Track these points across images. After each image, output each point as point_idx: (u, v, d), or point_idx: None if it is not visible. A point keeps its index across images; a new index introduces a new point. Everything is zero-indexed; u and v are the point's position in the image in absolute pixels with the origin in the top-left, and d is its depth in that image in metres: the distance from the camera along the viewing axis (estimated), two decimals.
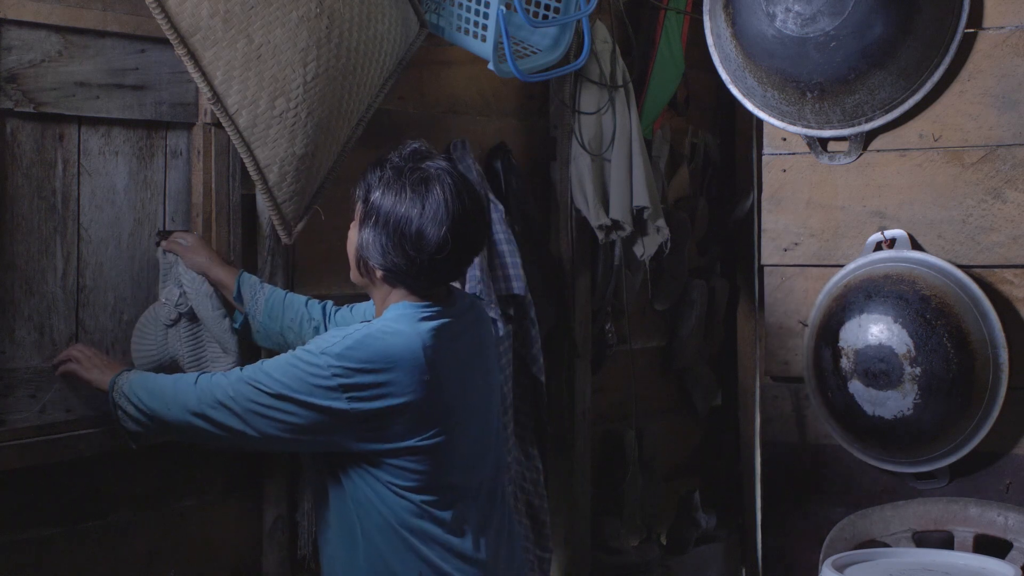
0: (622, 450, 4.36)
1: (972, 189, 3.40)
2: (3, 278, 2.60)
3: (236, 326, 2.86)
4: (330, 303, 2.87)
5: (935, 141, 3.44)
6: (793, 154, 3.63)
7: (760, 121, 3.66)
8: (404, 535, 2.46)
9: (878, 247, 3.47)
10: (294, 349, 2.49)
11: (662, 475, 4.56)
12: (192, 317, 2.83)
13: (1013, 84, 3.34)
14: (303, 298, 2.87)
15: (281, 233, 2.90)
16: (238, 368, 2.51)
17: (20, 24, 2.59)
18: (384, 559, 2.47)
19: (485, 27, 3.14)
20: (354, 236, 2.52)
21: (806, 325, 3.55)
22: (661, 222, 4.03)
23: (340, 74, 2.85)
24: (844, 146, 3.54)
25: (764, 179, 3.68)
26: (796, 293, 3.63)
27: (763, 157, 3.70)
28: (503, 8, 3.07)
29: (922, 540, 3.38)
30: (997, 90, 3.36)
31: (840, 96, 3.40)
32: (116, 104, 2.75)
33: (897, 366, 3.29)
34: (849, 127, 3.48)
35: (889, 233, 3.47)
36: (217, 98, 2.72)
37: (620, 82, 3.97)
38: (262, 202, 2.92)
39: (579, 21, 3.36)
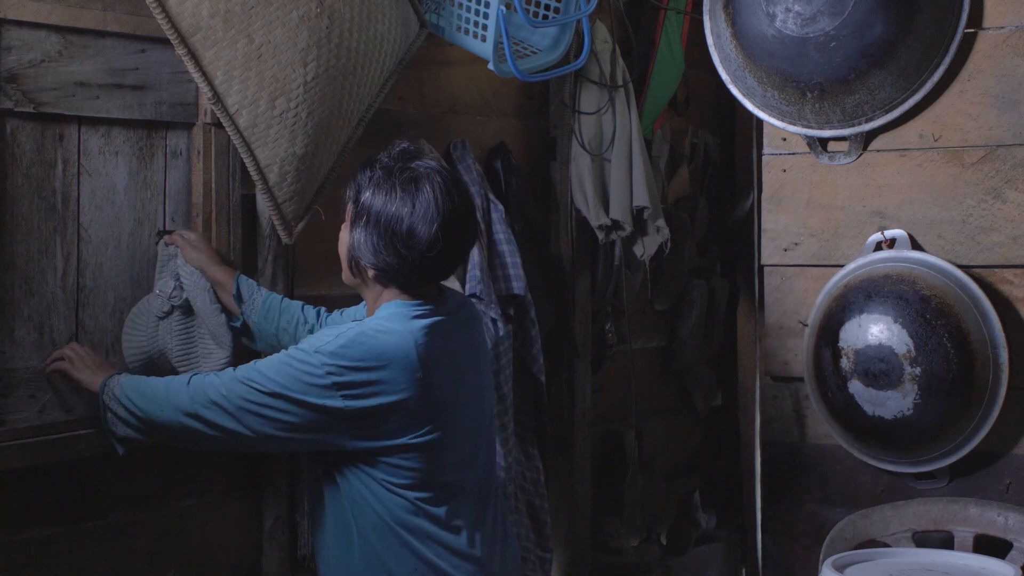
0: (622, 450, 4.36)
1: (972, 189, 3.40)
2: (3, 278, 2.60)
3: (236, 324, 2.87)
4: (323, 309, 2.90)
5: (935, 141, 3.44)
6: (793, 154, 3.63)
7: (760, 121, 3.66)
8: (399, 532, 2.47)
9: (878, 247, 3.47)
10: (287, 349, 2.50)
11: (662, 475, 4.56)
12: (185, 311, 2.83)
13: (1013, 84, 3.34)
14: (299, 303, 2.90)
15: (281, 233, 2.91)
16: (231, 368, 2.52)
17: (20, 24, 2.58)
18: (380, 557, 2.48)
19: (485, 27, 3.14)
20: (345, 237, 2.55)
21: (806, 325, 3.55)
22: (661, 222, 4.03)
23: (340, 74, 2.85)
24: (844, 146, 3.54)
25: (764, 179, 3.68)
26: (796, 293, 3.63)
27: (763, 157, 3.70)
28: (503, 8, 3.07)
29: (922, 540, 3.38)
30: (997, 90, 3.36)
31: (840, 96, 3.40)
32: (116, 104, 2.74)
33: (897, 366, 3.29)
34: (849, 127, 3.48)
35: (889, 233, 3.46)
36: (217, 98, 2.72)
37: (620, 82, 3.97)
38: (262, 202, 2.92)
39: (579, 21, 3.36)
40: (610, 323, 4.27)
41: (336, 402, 2.40)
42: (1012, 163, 3.35)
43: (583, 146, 3.93)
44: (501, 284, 3.59)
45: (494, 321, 3.47)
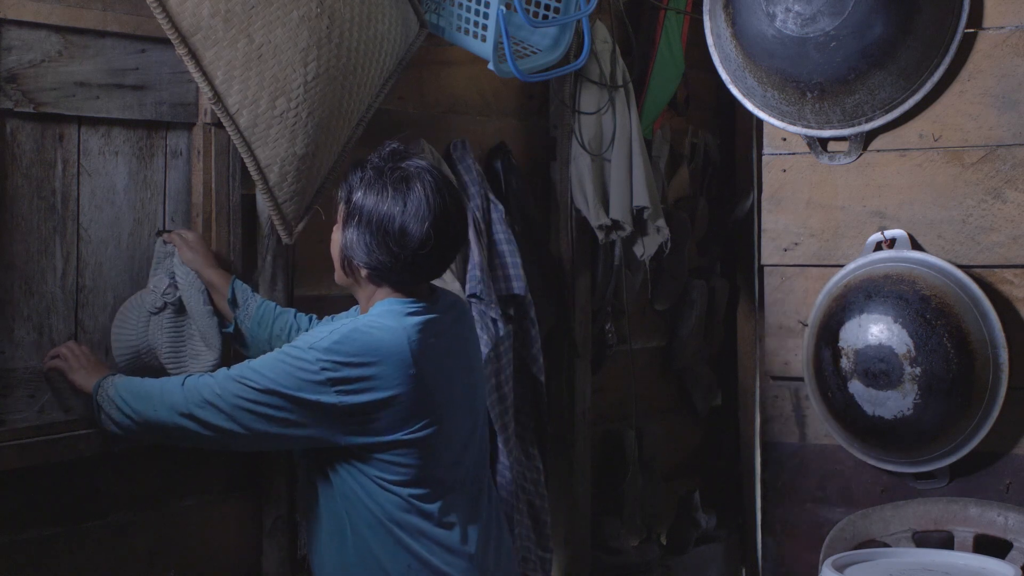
0: (622, 450, 4.36)
1: (972, 189, 3.40)
2: (2, 278, 2.60)
3: (228, 329, 2.87)
4: (315, 316, 2.92)
5: (935, 141, 3.44)
6: (793, 154, 3.63)
7: (760, 121, 3.66)
8: (392, 529, 2.49)
9: (878, 247, 3.47)
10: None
11: (662, 475, 4.56)
12: (177, 309, 2.83)
13: (1013, 84, 3.34)
14: (292, 310, 2.92)
15: (282, 233, 2.91)
16: (224, 368, 2.53)
17: (20, 24, 2.58)
18: (373, 553, 2.50)
19: (485, 27, 3.14)
20: (338, 237, 2.58)
21: (806, 325, 3.55)
22: (661, 222, 4.03)
23: (340, 74, 2.85)
24: (844, 146, 3.54)
25: (764, 179, 3.68)
26: (796, 293, 3.63)
27: (763, 157, 3.70)
28: (503, 8, 3.07)
29: (922, 540, 3.38)
30: (997, 90, 3.36)
31: (840, 96, 3.40)
32: (116, 104, 2.74)
33: (897, 366, 3.29)
34: (849, 127, 3.48)
35: (889, 233, 3.46)
36: (218, 98, 2.72)
37: (620, 82, 3.97)
38: (262, 202, 2.92)
39: (579, 21, 3.36)
40: (610, 323, 4.27)
41: (330, 398, 2.42)
42: (1012, 163, 3.35)
43: (583, 146, 3.93)
44: (501, 284, 3.59)
45: (494, 321, 3.47)
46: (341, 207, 2.56)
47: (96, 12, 2.70)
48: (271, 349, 2.82)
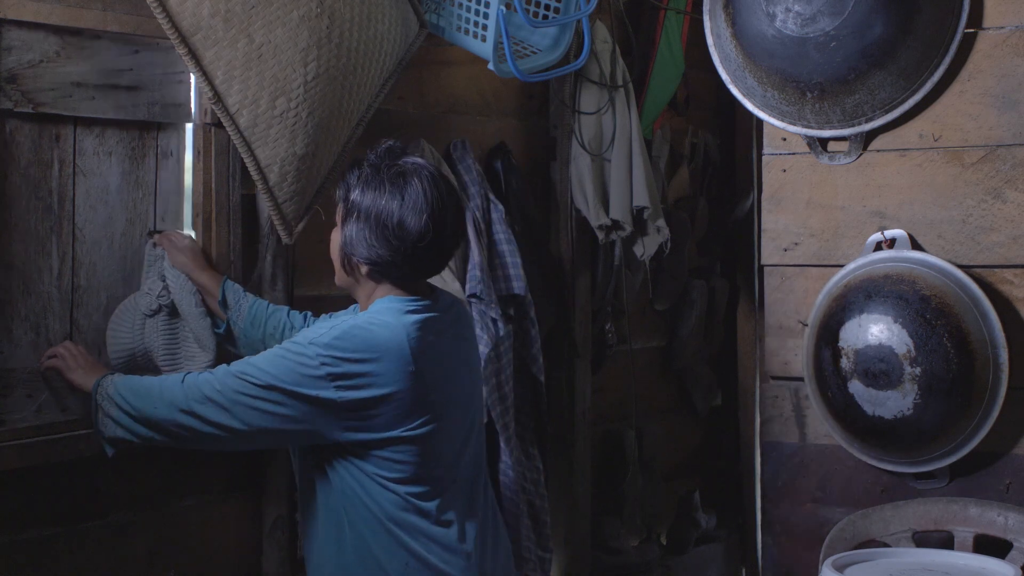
0: (622, 450, 4.36)
1: (972, 189, 3.40)
2: (2, 278, 2.60)
3: (219, 331, 2.87)
4: (309, 313, 2.92)
5: (935, 141, 3.44)
6: (793, 154, 3.63)
7: (760, 121, 3.66)
8: (390, 527, 2.50)
9: (878, 247, 3.47)
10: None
11: (662, 475, 4.56)
12: (172, 312, 2.83)
13: (1013, 84, 3.34)
14: (285, 308, 2.93)
15: (282, 233, 2.91)
16: (224, 364, 2.53)
17: (20, 24, 2.59)
18: (371, 552, 2.51)
19: (485, 27, 3.14)
20: (337, 236, 2.59)
21: (806, 325, 3.55)
22: (661, 222, 4.03)
23: (340, 74, 2.85)
24: (844, 146, 3.54)
25: (764, 179, 3.68)
26: (796, 293, 3.63)
27: (763, 157, 3.69)
28: (503, 8, 3.07)
29: (922, 540, 3.38)
30: (997, 90, 3.35)
31: (840, 96, 3.40)
32: (110, 104, 2.75)
33: (897, 366, 3.29)
34: (849, 127, 3.48)
35: (889, 233, 3.46)
36: (218, 98, 2.72)
37: (620, 82, 3.97)
38: (263, 202, 2.92)
39: (579, 21, 3.36)
40: (610, 323, 4.27)
41: (329, 393, 2.43)
42: (1012, 163, 3.35)
43: (583, 146, 3.93)
44: (501, 284, 3.59)
45: (495, 321, 3.47)
46: (340, 206, 2.58)
47: (96, 12, 2.70)
48: (264, 348, 2.83)
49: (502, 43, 3.09)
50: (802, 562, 3.60)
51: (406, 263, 2.52)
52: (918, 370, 3.26)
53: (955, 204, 3.42)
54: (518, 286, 3.60)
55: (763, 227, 3.69)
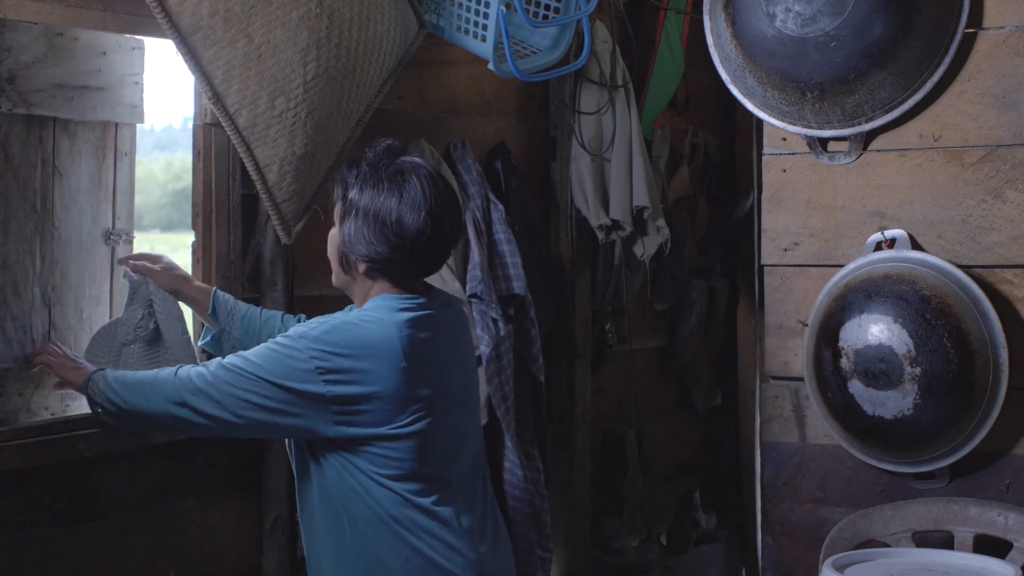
0: (622, 450, 4.36)
1: (972, 189, 3.40)
2: None
3: (207, 340, 2.88)
4: (304, 316, 2.93)
5: (935, 141, 3.44)
6: (793, 154, 3.63)
7: (760, 121, 3.66)
8: (390, 523, 2.51)
9: (878, 247, 3.47)
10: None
11: (662, 475, 4.56)
12: (150, 340, 2.83)
13: (1013, 84, 3.34)
14: (279, 313, 2.94)
15: (280, 233, 2.91)
16: (218, 358, 2.55)
17: (17, 25, 2.59)
18: (371, 546, 2.53)
19: (485, 27, 3.14)
20: (336, 236, 2.60)
21: (806, 325, 3.55)
22: (661, 222, 4.03)
23: (340, 74, 2.85)
24: (844, 146, 3.54)
25: (764, 179, 3.68)
26: (796, 293, 3.63)
27: (763, 157, 3.69)
28: (503, 8, 3.07)
29: (922, 540, 3.37)
30: (997, 90, 3.35)
31: (840, 96, 3.40)
32: (85, 106, 2.76)
33: (897, 366, 3.29)
34: (849, 127, 3.48)
35: (889, 233, 3.46)
36: (217, 97, 2.72)
37: (620, 82, 3.97)
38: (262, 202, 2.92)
39: (579, 21, 3.36)
40: (610, 323, 4.27)
41: (318, 387, 2.44)
42: (1012, 163, 3.35)
43: (583, 146, 3.93)
44: (501, 284, 3.59)
45: (495, 321, 3.47)
46: (337, 205, 2.59)
47: (96, 12, 2.70)
48: None
49: (502, 43, 3.09)
50: (802, 562, 3.60)
51: (404, 261, 2.53)
52: (918, 370, 3.26)
53: (955, 204, 3.42)
54: (518, 286, 3.60)
55: (763, 227, 3.69)
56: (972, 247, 3.39)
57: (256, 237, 3.05)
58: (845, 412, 3.40)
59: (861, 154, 3.53)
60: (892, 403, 3.30)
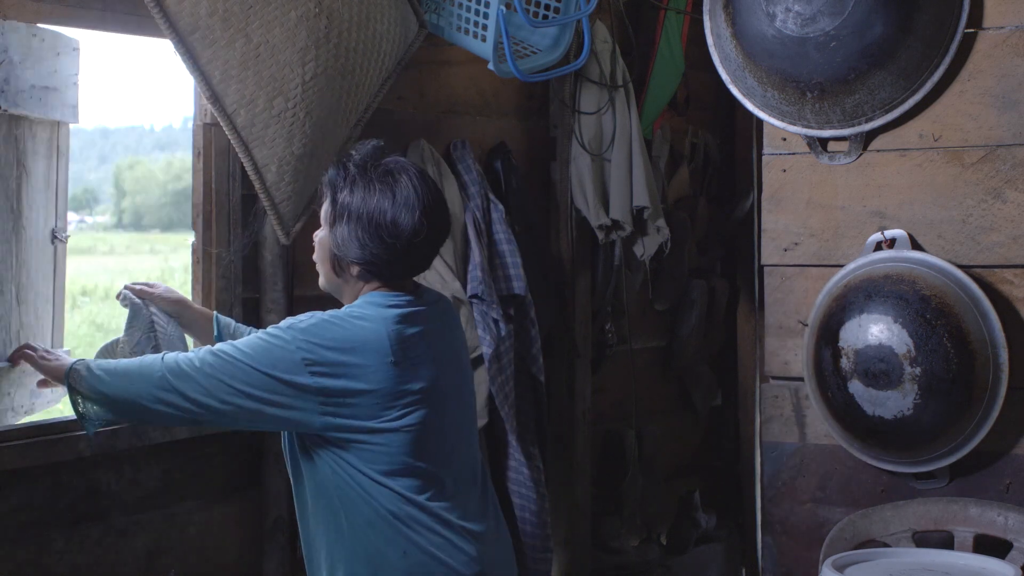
0: (622, 450, 4.36)
1: (972, 189, 3.40)
2: None
3: None
4: None
5: (935, 141, 3.44)
6: (793, 154, 3.63)
7: (760, 121, 3.66)
8: (389, 520, 2.51)
9: (878, 247, 3.47)
10: None
11: (662, 475, 4.56)
12: None
13: (1013, 84, 3.34)
14: None
15: (279, 233, 2.91)
16: (207, 346, 2.55)
17: (16, 25, 2.60)
18: (370, 542, 2.52)
19: (485, 27, 3.14)
20: (325, 239, 2.58)
21: (806, 325, 3.55)
22: (661, 222, 4.03)
23: (339, 74, 2.85)
24: (844, 146, 3.54)
25: (764, 179, 3.68)
26: (796, 293, 3.63)
27: (763, 157, 3.69)
28: (503, 8, 3.07)
29: (922, 540, 3.37)
30: (997, 90, 3.35)
31: (840, 96, 3.40)
32: (48, 106, 2.76)
33: (897, 366, 3.29)
34: (849, 127, 3.48)
35: (889, 233, 3.46)
36: (215, 97, 2.72)
37: (620, 82, 3.97)
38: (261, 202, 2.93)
39: (579, 21, 3.36)
40: (610, 323, 4.27)
41: (304, 378, 2.45)
42: (1012, 163, 3.35)
43: (583, 146, 3.93)
44: (501, 284, 3.59)
45: (496, 321, 3.47)
46: (326, 206, 2.57)
47: (96, 12, 2.70)
48: None
49: (502, 43, 3.09)
50: (802, 562, 3.60)
51: (399, 261, 2.54)
52: (918, 370, 3.26)
53: (955, 204, 3.42)
54: (518, 286, 3.60)
55: (763, 227, 3.69)
56: (972, 247, 3.39)
57: (256, 237, 3.05)
58: (845, 412, 3.40)
59: (861, 154, 3.53)
60: (892, 403, 3.30)
